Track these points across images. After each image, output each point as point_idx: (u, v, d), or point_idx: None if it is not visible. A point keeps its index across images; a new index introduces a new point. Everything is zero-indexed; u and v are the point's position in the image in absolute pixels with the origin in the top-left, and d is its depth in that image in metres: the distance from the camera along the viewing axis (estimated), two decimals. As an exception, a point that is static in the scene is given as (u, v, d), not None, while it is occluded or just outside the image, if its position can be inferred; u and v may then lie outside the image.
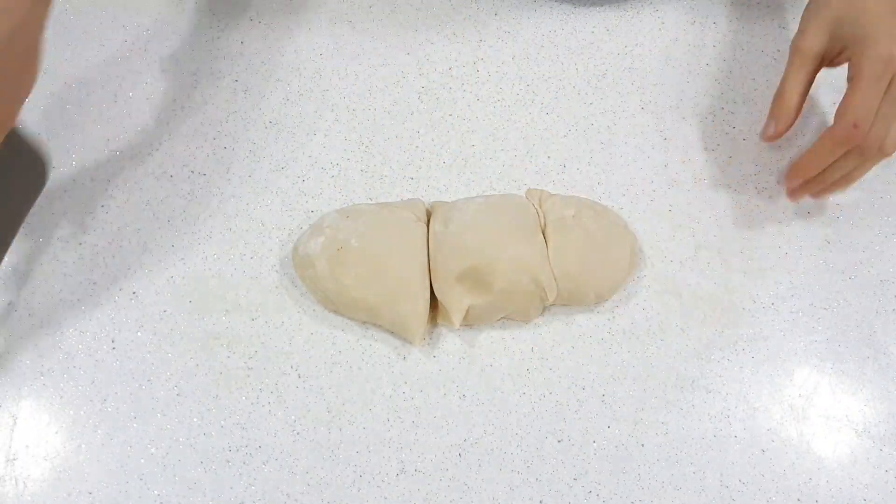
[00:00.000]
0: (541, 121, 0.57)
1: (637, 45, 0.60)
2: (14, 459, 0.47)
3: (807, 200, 0.55)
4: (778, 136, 0.51)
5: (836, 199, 0.55)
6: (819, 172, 0.50)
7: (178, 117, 0.57)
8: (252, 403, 0.48)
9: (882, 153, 0.48)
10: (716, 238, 0.54)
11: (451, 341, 0.50)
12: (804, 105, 0.51)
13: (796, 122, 0.51)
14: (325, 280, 0.48)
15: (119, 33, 0.60)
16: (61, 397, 0.48)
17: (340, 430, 0.48)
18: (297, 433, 0.48)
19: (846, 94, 0.47)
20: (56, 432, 0.47)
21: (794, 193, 0.53)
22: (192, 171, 0.55)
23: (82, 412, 0.48)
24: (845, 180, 0.50)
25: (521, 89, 0.58)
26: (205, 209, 0.54)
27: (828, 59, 0.51)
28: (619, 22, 0.61)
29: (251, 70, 0.59)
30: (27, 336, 0.50)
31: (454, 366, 0.50)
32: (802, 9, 0.52)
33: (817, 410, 0.49)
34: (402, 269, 0.48)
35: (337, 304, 0.49)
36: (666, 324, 0.51)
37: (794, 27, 0.61)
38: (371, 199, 0.54)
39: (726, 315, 0.52)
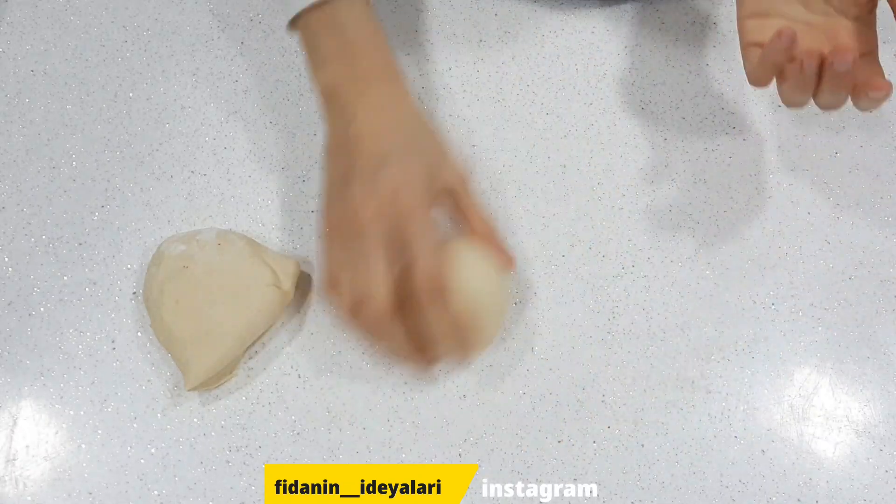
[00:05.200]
0: (541, 121, 0.57)
1: (637, 45, 0.60)
2: (14, 459, 0.47)
3: (806, 198, 0.55)
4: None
5: (836, 198, 0.55)
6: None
7: (178, 117, 0.57)
8: (252, 403, 0.48)
9: None
10: (716, 238, 0.54)
11: (451, 341, 0.50)
12: None
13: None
14: (158, 282, 0.48)
15: (119, 33, 0.60)
16: (61, 397, 0.48)
17: (340, 430, 0.48)
18: (297, 433, 0.48)
19: None
20: (56, 432, 0.47)
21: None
22: (192, 172, 0.55)
23: (82, 412, 0.48)
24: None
25: (521, 89, 0.58)
26: (205, 209, 0.54)
27: None
28: (619, 22, 0.61)
29: (251, 70, 0.59)
30: (27, 336, 0.50)
31: (454, 366, 0.50)
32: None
33: (817, 410, 0.49)
34: (219, 318, 0.47)
35: (148, 305, 0.49)
36: (666, 324, 0.51)
37: (794, 27, 0.61)
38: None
39: (726, 315, 0.52)
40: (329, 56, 0.46)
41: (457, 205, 0.46)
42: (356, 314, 0.42)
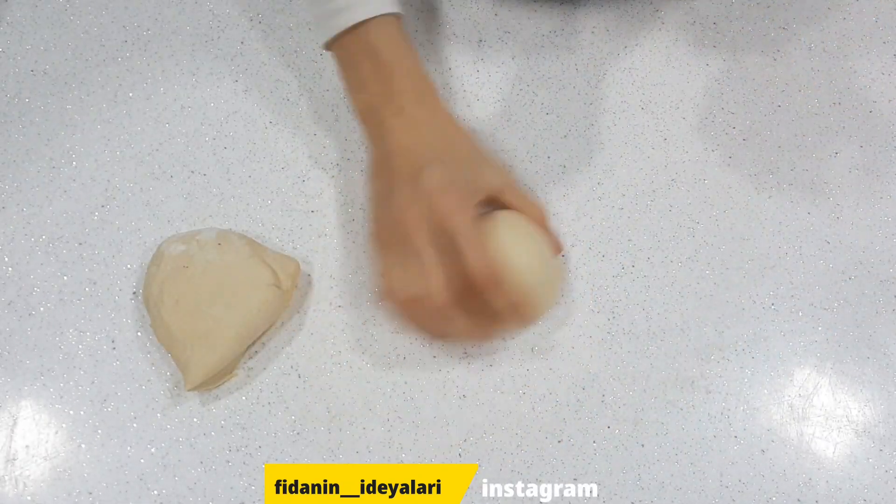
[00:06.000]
0: (541, 121, 0.57)
1: (637, 45, 0.60)
2: (14, 459, 0.47)
3: (806, 198, 0.55)
4: None
5: (836, 198, 0.55)
6: None
7: (178, 117, 0.57)
8: (252, 403, 0.48)
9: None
10: (716, 238, 0.54)
11: (451, 341, 0.50)
12: None
13: None
14: (157, 282, 0.48)
15: (119, 33, 0.60)
16: (61, 397, 0.48)
17: (340, 430, 0.48)
18: (297, 433, 0.48)
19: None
20: (56, 432, 0.47)
21: None
22: (192, 171, 0.55)
23: (82, 412, 0.48)
24: None
25: (521, 89, 0.58)
26: (204, 209, 0.54)
27: None
28: (619, 22, 0.61)
29: (251, 70, 0.59)
30: (27, 336, 0.50)
31: (454, 366, 0.50)
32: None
33: (817, 410, 0.49)
34: (219, 318, 0.47)
35: (148, 305, 0.49)
36: (666, 324, 0.51)
37: (794, 27, 0.61)
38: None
39: (726, 315, 0.52)
40: (365, 78, 0.48)
41: (505, 203, 0.48)
42: (416, 313, 0.44)
